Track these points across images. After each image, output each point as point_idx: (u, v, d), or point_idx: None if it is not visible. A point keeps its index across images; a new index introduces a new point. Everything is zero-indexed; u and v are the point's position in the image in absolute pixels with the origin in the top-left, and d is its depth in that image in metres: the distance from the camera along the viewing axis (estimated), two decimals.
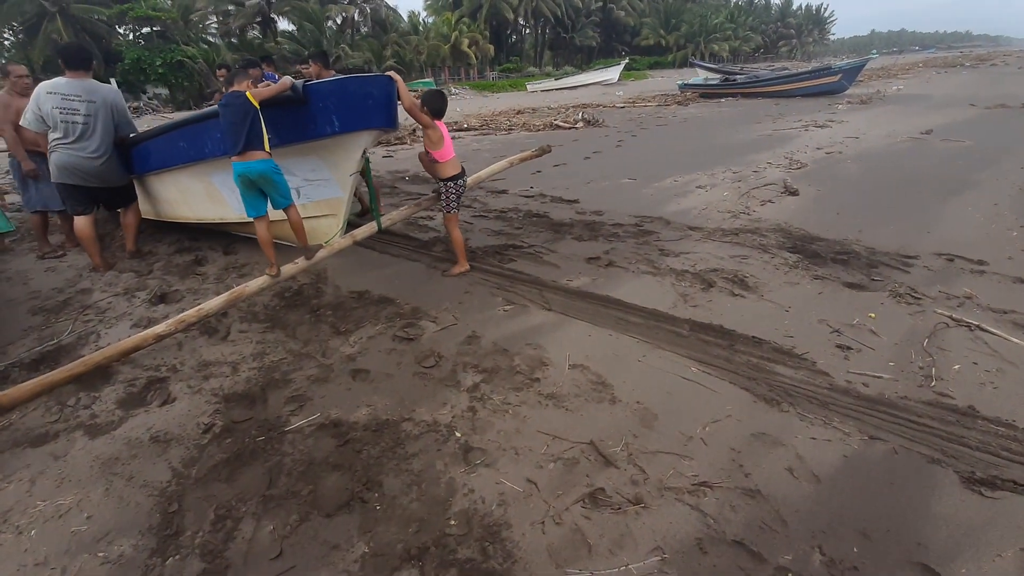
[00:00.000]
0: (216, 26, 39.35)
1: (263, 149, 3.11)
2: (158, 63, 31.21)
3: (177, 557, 1.70)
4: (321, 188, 3.79)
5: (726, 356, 2.67)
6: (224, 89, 3.31)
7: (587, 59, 59.05)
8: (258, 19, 39.06)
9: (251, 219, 3.32)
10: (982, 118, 10.83)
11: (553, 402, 2.38)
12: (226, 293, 3.18)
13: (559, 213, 5.37)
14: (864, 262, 3.75)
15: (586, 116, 13.80)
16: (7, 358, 3.01)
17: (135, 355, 2.92)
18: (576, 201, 5.82)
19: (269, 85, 3.36)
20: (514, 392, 2.46)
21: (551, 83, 34.48)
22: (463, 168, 3.79)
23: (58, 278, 4.23)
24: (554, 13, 53.07)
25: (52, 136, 3.95)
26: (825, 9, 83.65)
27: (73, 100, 3.92)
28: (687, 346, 2.78)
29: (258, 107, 3.10)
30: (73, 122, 3.92)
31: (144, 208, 4.82)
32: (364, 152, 3.63)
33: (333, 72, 4.89)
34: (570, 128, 12.89)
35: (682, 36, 59.97)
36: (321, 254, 3.52)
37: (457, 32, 44.05)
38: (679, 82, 22.94)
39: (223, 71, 7.47)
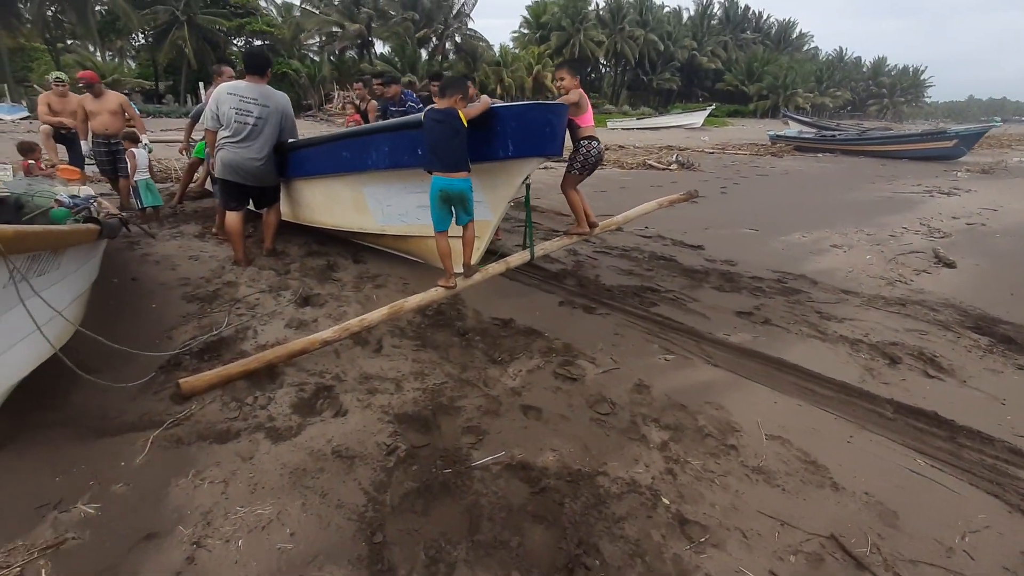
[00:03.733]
0: (318, 44, 42.33)
1: (467, 169, 3.08)
2: None
3: None
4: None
5: (950, 450, 2.34)
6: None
7: (664, 102, 58.98)
8: (358, 41, 41.71)
9: (434, 233, 3.33)
10: None
11: (763, 478, 2.12)
12: (387, 306, 3.12)
13: (687, 259, 5.14)
14: None
15: (680, 159, 13.56)
16: (175, 344, 3.07)
17: (298, 359, 2.91)
18: (701, 247, 5.57)
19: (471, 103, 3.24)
20: (712, 458, 2.23)
21: (632, 122, 34.62)
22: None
23: (203, 267, 4.37)
24: (635, 56, 53.65)
25: (221, 134, 4.14)
26: (923, 71, 79.77)
27: (249, 103, 4.11)
28: (897, 431, 2.46)
29: (466, 125, 3.05)
30: (244, 123, 4.10)
31: (283, 210, 4.98)
32: (527, 179, 3.57)
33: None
34: (664, 169, 12.69)
35: (764, 87, 58.88)
36: (477, 277, 3.45)
37: (540, 66, 45.26)
38: (770, 132, 22.35)
39: (359, 86, 7.82)
